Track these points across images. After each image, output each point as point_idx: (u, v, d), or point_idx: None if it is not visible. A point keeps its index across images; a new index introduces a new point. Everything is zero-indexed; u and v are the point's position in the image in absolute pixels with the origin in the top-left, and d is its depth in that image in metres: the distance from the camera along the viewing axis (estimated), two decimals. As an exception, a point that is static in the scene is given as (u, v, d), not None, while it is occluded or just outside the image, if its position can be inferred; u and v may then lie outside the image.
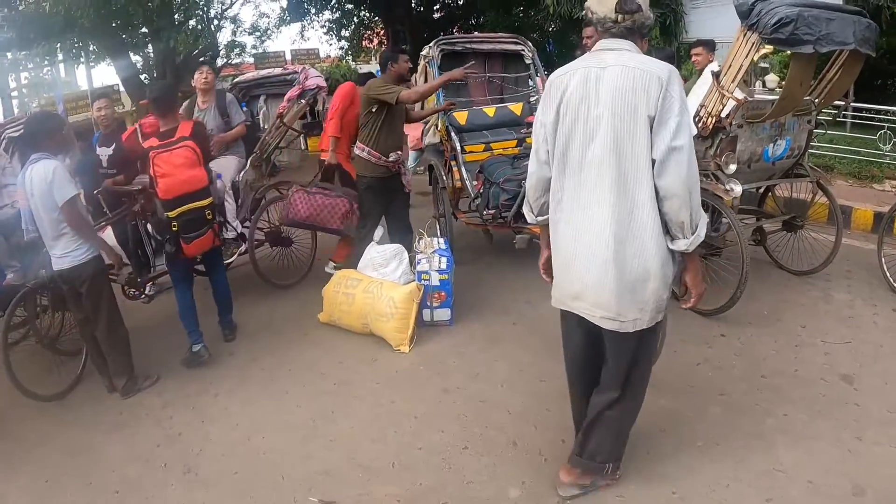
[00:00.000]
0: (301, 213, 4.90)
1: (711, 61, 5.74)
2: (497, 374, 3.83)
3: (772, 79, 16.46)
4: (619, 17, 2.28)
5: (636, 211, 2.27)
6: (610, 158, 2.24)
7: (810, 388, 3.62)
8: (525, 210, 2.69)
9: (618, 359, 2.54)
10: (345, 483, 3.02)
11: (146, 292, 4.98)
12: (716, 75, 4.26)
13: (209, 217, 4.04)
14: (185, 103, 5.52)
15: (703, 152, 4.39)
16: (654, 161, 2.21)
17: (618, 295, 2.33)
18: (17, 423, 3.89)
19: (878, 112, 9.12)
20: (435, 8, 15.73)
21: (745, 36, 4.04)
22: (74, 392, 4.12)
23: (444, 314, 4.39)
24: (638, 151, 2.22)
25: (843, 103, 5.42)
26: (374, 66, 19.28)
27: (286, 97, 5.42)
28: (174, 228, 3.94)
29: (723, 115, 4.26)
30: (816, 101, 4.88)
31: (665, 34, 10.77)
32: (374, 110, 4.65)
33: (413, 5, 15.22)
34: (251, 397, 3.86)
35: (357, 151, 4.81)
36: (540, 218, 2.59)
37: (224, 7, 16.41)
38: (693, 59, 5.96)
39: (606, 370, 2.61)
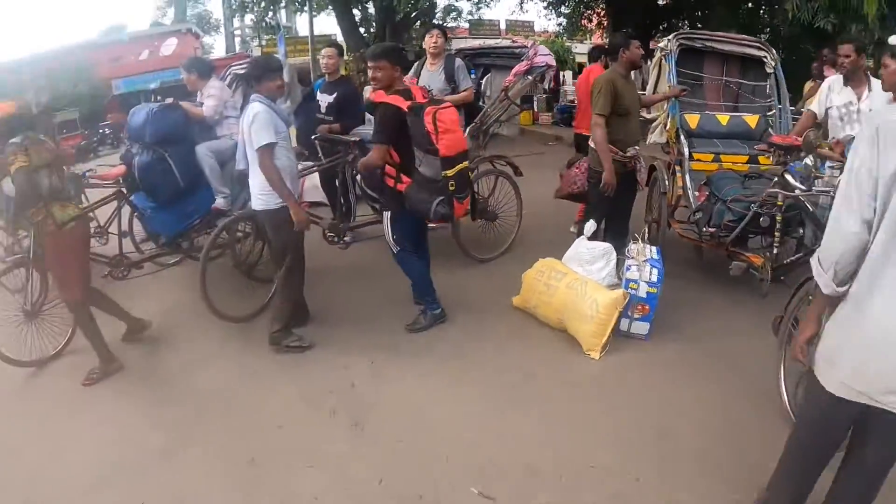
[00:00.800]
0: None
1: None
2: (679, 405, 3.52)
3: None
4: None
5: None
6: None
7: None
8: (820, 277, 2.17)
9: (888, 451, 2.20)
10: (506, 481, 2.94)
11: (345, 239, 5.20)
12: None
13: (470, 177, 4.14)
14: (415, 64, 5.64)
15: None
16: None
17: None
18: (197, 339, 4.32)
19: None
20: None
21: None
22: (259, 318, 4.44)
23: (642, 328, 4.16)
24: None
25: None
26: (586, 46, 18.88)
27: (513, 71, 5.35)
28: (451, 188, 3.93)
29: None
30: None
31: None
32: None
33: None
34: (431, 369, 3.89)
35: (592, 144, 4.66)
36: (842, 288, 2.12)
37: None
38: None
39: (859, 461, 2.26)
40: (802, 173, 3.50)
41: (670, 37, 5.43)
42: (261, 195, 3.93)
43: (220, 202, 4.84)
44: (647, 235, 5.15)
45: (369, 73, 4.00)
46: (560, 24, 18.66)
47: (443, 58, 5.44)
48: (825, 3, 9.11)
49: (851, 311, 2.06)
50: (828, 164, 4.22)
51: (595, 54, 6.70)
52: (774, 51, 5.69)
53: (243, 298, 4.61)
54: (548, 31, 23.12)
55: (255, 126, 3.76)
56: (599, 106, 4.45)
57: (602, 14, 17.05)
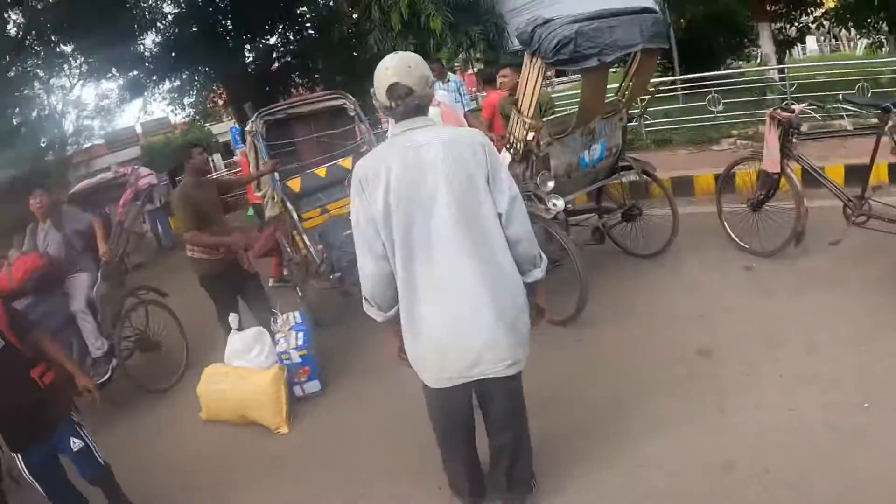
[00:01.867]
0: None
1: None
2: (374, 436, 3.86)
3: None
4: (392, 103, 2.37)
5: (500, 264, 2.44)
6: (460, 227, 2.35)
7: (669, 371, 3.84)
8: (370, 311, 2.55)
9: (509, 400, 2.72)
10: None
11: None
12: (514, 103, 4.51)
13: None
14: (28, 230, 5.22)
15: (521, 176, 4.61)
16: (500, 214, 2.42)
17: (509, 344, 2.48)
18: None
19: (705, 79, 9.86)
20: (273, 58, 15.61)
21: (531, 62, 4.27)
22: None
23: (314, 386, 4.40)
24: (485, 212, 2.39)
25: (649, 93, 5.75)
26: (227, 125, 18.99)
27: (121, 203, 5.30)
28: None
29: (529, 138, 4.47)
30: (623, 100, 5.24)
31: (492, 48, 11.20)
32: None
33: (249, 60, 15.08)
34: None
35: (189, 253, 4.73)
36: (391, 312, 2.52)
37: (65, 92, 15.76)
38: (499, 80, 5.95)
39: (493, 417, 2.78)
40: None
41: (253, 118, 5.73)
42: None
43: None
44: (298, 298, 5.44)
45: None
46: (188, 115, 18.54)
47: (49, 216, 5.12)
48: (400, 30, 10.31)
49: (409, 324, 2.46)
50: None
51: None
52: (350, 95, 6.31)
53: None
54: (182, 124, 22.82)
55: None
56: (185, 223, 4.54)
57: (223, 93, 17.29)
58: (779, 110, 4.88)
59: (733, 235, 5.45)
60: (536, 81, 4.28)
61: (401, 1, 9.98)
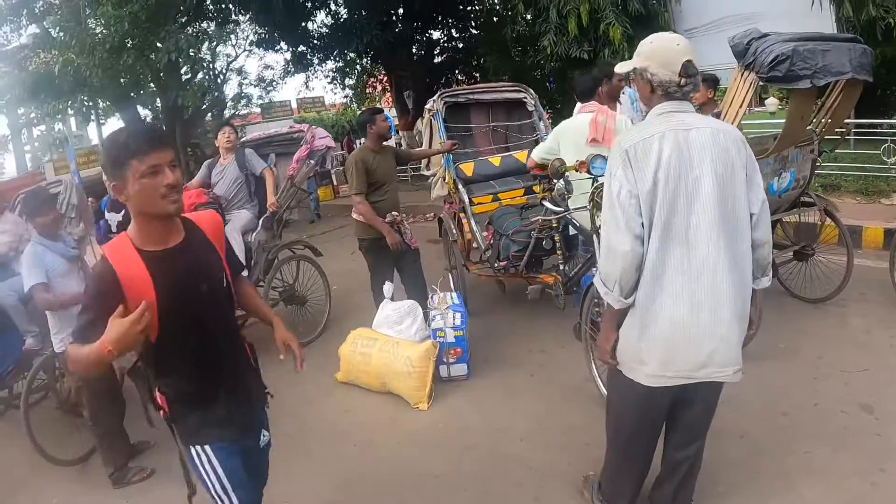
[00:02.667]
0: None
1: (711, 98, 5.76)
2: (516, 429, 3.82)
3: (772, 101, 16.55)
4: (683, 80, 2.30)
5: (744, 264, 2.35)
6: (717, 219, 2.26)
7: (831, 420, 3.60)
8: (609, 296, 2.39)
9: (709, 408, 2.63)
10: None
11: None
12: (716, 115, 4.31)
13: None
14: (205, 164, 5.63)
15: None
16: (752, 215, 2.34)
17: (737, 346, 2.39)
18: (38, 489, 3.96)
19: (880, 126, 9.19)
20: (436, 52, 15.98)
21: (742, 75, 4.10)
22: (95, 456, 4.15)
23: (460, 369, 4.40)
24: (740, 209, 2.31)
25: (843, 129, 5.43)
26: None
27: (295, 158, 5.51)
28: None
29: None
30: (817, 130, 4.93)
31: (662, 65, 10.85)
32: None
33: (414, 51, 15.48)
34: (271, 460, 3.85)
35: (354, 215, 4.88)
36: (631, 299, 2.37)
37: (230, 60, 16.80)
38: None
39: (688, 426, 2.66)
40: (556, 197, 3.91)
41: (435, 97, 5.85)
42: (55, 335, 3.79)
43: (30, 342, 4.51)
44: (451, 283, 5.46)
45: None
46: (346, 96, 19.27)
47: (233, 152, 5.49)
48: (576, 35, 10.24)
49: (643, 315, 2.36)
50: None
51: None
52: (532, 90, 6.33)
53: (76, 439, 4.26)
54: (336, 104, 23.72)
55: (23, 269, 3.67)
56: (354, 186, 4.71)
57: (384, 80, 17.82)
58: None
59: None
60: (746, 94, 4.09)
61: (581, 6, 9.91)
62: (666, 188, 2.22)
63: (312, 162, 5.59)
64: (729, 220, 2.28)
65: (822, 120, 4.95)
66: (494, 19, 14.42)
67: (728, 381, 2.45)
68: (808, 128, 5.01)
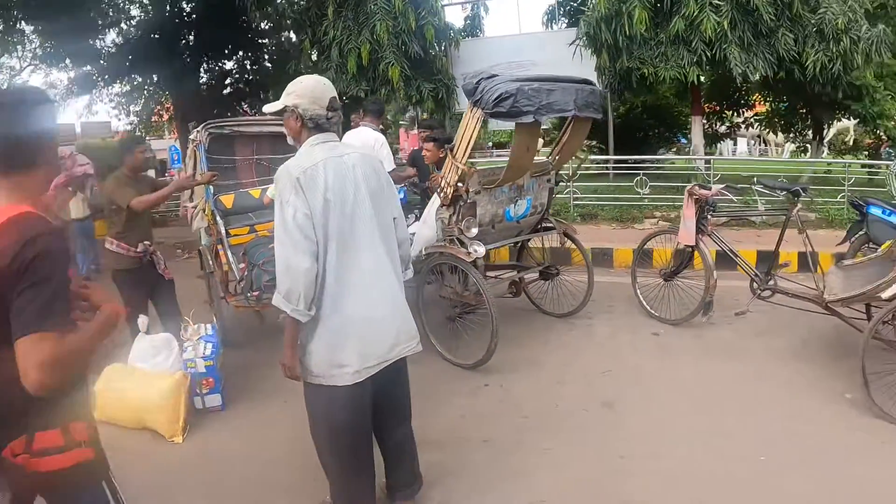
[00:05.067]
0: None
1: (442, 157, 6.09)
2: (269, 454, 3.81)
3: None
4: (330, 114, 2.65)
5: (396, 259, 2.82)
6: (376, 227, 2.68)
7: (572, 419, 3.99)
8: (296, 312, 2.54)
9: (405, 380, 2.99)
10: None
11: None
12: (450, 148, 4.73)
13: None
14: None
15: (447, 220, 4.80)
16: (395, 218, 2.84)
17: (411, 321, 2.87)
18: None
19: (636, 161, 10.57)
20: (227, 83, 15.65)
21: (471, 111, 4.53)
22: None
23: (214, 400, 4.33)
24: (388, 216, 2.78)
25: (578, 161, 6.18)
26: (167, 142, 18.69)
27: (52, 185, 5.17)
28: None
29: (459, 184, 4.68)
30: (553, 162, 5.55)
31: (438, 106, 11.62)
32: (114, 207, 4.57)
33: (204, 80, 15.06)
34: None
35: (107, 245, 4.69)
36: (312, 311, 2.57)
37: (13, 73, 15.34)
38: (424, 152, 6.13)
39: (396, 406, 2.96)
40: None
41: (199, 128, 5.75)
42: None
43: None
44: (214, 316, 5.40)
45: None
46: (131, 123, 18.22)
47: None
48: (355, 74, 10.63)
49: (332, 320, 2.59)
50: None
51: None
52: None
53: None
54: (120, 131, 22.36)
55: None
56: (125, 198, 4.49)
57: (170, 109, 17.12)
58: (696, 187, 5.26)
59: (645, 303, 5.76)
60: (474, 130, 4.53)
61: (361, 47, 10.33)
62: (335, 207, 2.54)
63: (70, 189, 5.30)
64: (383, 226, 2.73)
65: (557, 152, 5.58)
66: (286, 53, 14.45)
67: (416, 352, 2.89)
68: (545, 160, 5.64)
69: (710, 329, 5.39)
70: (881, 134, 11.20)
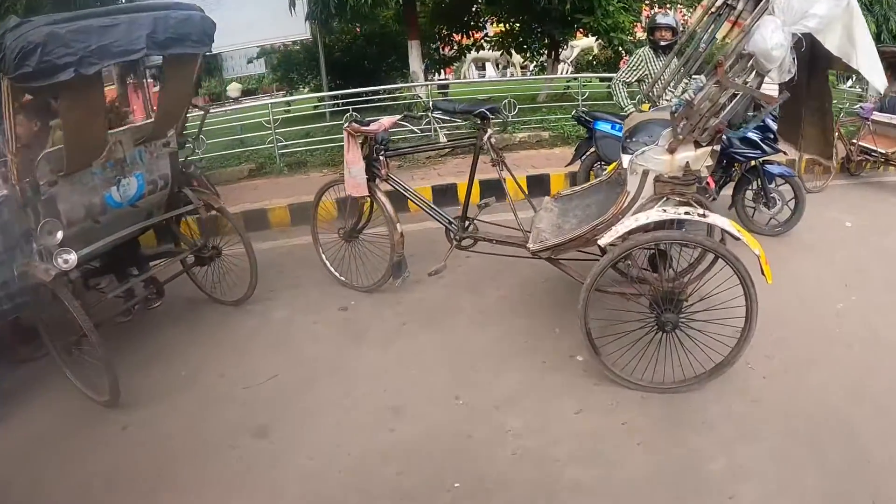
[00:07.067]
0: None
1: None
2: None
3: (234, 87, 16.40)
4: None
5: None
6: None
7: (214, 463, 3.04)
8: None
9: None
10: None
11: None
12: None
13: None
14: None
15: (34, 227, 3.40)
16: None
17: None
18: None
19: (346, 96, 9.30)
20: None
21: (4, 83, 3.06)
22: None
23: None
24: None
25: (201, 113, 4.66)
26: None
27: None
28: None
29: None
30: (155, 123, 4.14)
31: None
32: None
33: None
34: None
35: None
36: None
37: None
38: None
39: None
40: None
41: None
42: None
43: None
44: None
45: None
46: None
47: None
48: None
49: None
50: None
51: None
52: None
53: None
54: None
55: None
56: None
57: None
58: (354, 124, 4.25)
59: (333, 270, 4.86)
60: (10, 109, 3.10)
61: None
62: None
63: None
64: None
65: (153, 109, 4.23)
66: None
67: None
68: (143, 123, 4.21)
69: (408, 293, 4.65)
70: (619, 48, 10.86)
